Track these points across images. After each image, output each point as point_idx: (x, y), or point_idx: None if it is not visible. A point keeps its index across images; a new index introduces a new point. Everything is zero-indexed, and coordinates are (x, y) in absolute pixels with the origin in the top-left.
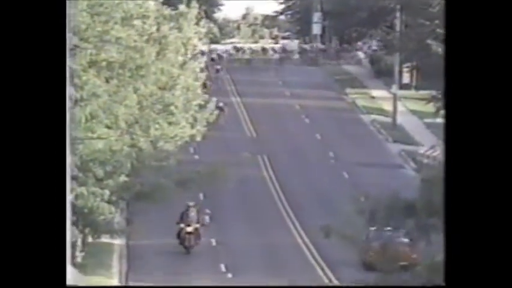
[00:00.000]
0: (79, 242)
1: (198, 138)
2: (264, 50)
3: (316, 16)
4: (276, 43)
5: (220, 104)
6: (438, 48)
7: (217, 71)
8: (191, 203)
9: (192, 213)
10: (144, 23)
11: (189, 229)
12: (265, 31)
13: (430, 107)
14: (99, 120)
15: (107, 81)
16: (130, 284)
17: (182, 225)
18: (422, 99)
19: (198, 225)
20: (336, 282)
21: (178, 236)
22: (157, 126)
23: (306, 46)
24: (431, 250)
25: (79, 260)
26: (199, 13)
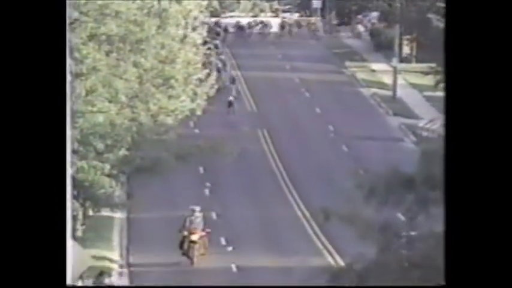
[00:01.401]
0: (80, 216)
1: (198, 112)
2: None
3: None
4: (276, 16)
5: (230, 98)
6: (439, 22)
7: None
8: (197, 208)
9: (198, 220)
10: None
11: (194, 237)
12: (266, 4)
13: (430, 80)
14: (99, 94)
15: (107, 55)
16: (131, 256)
17: (186, 232)
18: (422, 72)
19: (204, 233)
20: (335, 255)
21: (181, 245)
22: (157, 100)
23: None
24: (430, 223)
25: (79, 233)
26: None
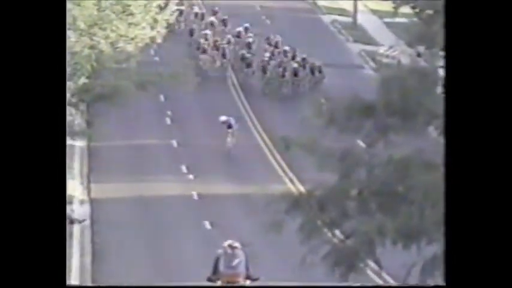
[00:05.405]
0: None
1: (159, 40)
2: None
3: None
4: None
5: (228, 119)
6: None
7: None
8: (236, 243)
9: (236, 260)
10: None
11: None
12: None
13: (390, 6)
14: None
15: None
16: (92, 185)
17: (219, 282)
18: None
19: (249, 282)
20: (296, 183)
21: None
22: (116, 27)
23: None
24: (389, 149)
25: None
26: None
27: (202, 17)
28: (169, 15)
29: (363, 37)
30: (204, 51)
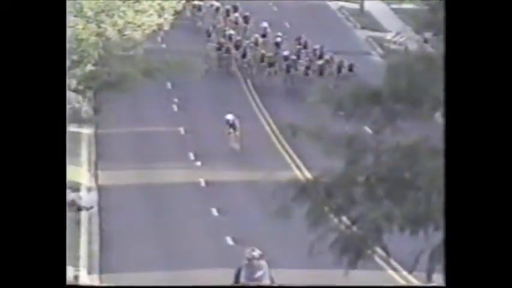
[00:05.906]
0: None
1: (166, 27)
2: None
3: None
4: None
5: (233, 119)
6: None
7: None
8: (255, 252)
9: (260, 272)
10: None
11: None
12: None
13: None
14: None
15: None
16: (100, 172)
17: None
18: None
19: None
20: (304, 170)
21: None
22: (123, 14)
23: None
24: (396, 136)
25: None
26: None
27: (227, 13)
28: (177, 2)
29: (370, 23)
30: (228, 51)
